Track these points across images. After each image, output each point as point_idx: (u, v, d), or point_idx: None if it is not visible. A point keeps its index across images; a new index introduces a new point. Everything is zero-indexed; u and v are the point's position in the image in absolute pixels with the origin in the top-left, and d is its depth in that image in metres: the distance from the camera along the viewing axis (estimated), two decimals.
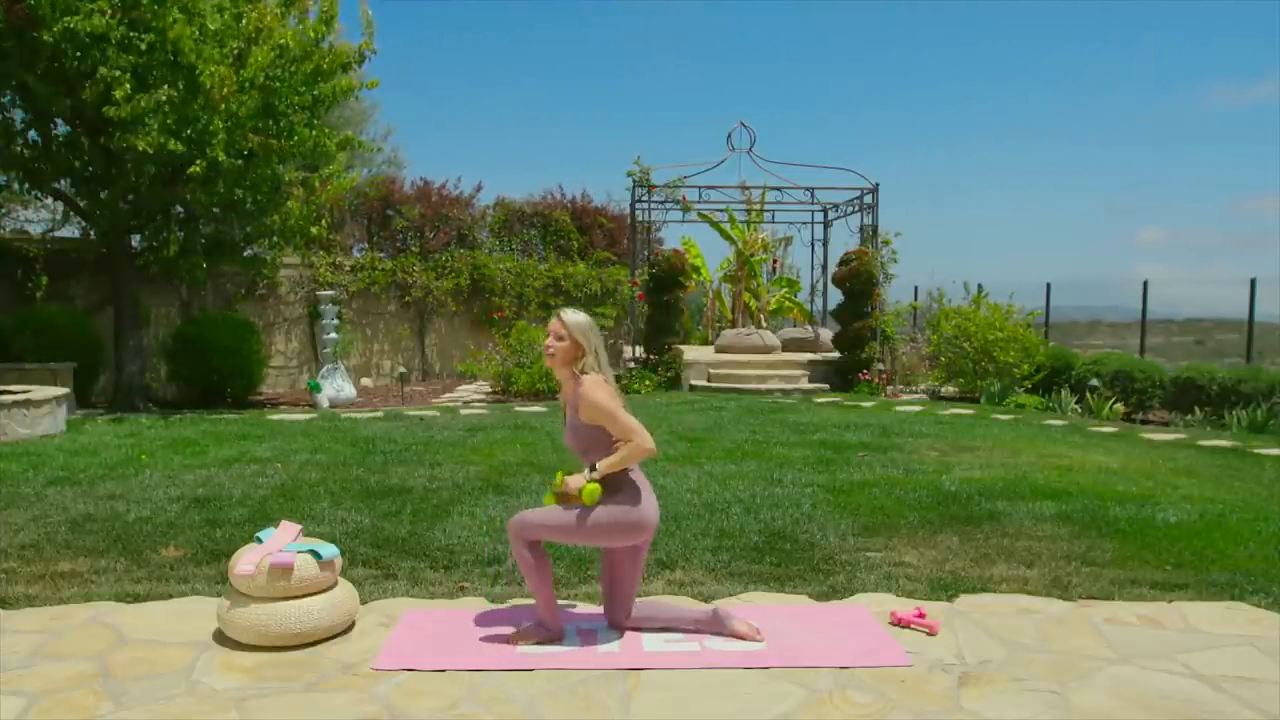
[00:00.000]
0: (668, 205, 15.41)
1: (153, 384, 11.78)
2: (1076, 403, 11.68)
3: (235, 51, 9.40)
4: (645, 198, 14.83)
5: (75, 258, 11.90)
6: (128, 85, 9.06)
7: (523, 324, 13.97)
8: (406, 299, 15.47)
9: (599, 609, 3.85)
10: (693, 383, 13.28)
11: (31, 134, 10.32)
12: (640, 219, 15.47)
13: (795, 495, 5.88)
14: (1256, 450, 8.18)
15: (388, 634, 3.55)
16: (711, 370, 13.56)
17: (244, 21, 9.50)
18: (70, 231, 13.18)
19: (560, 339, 3.45)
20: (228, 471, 6.59)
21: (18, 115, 10.24)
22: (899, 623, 3.69)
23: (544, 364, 12.45)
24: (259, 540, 3.62)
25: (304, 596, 3.45)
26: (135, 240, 11.17)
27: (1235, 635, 3.64)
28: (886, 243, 14.14)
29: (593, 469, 3.40)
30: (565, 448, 3.58)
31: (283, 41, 9.54)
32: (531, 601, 3.85)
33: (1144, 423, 10.90)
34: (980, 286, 13.91)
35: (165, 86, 9.03)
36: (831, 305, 15.17)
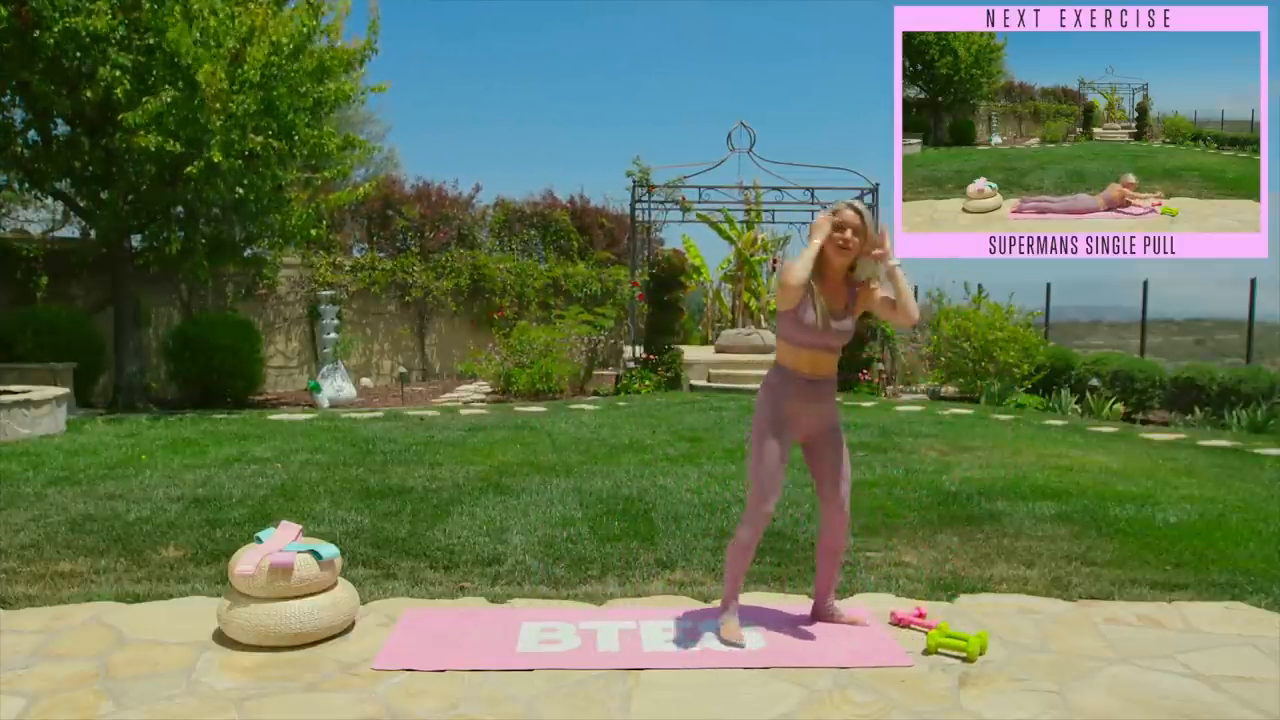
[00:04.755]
0: (668, 205, 15.41)
1: (153, 384, 11.78)
2: (1076, 403, 11.68)
3: (232, 51, 9.39)
4: (645, 198, 14.82)
5: (75, 258, 11.90)
6: (127, 84, 9.07)
7: (523, 324, 13.95)
8: (406, 299, 15.46)
9: (600, 608, 3.86)
10: (693, 383, 13.27)
11: (31, 134, 10.31)
12: (640, 219, 15.46)
13: (795, 495, 5.87)
14: (1256, 450, 8.18)
15: (388, 634, 3.55)
16: (711, 370, 13.56)
17: (238, 20, 9.48)
18: (70, 231, 13.18)
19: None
20: (228, 471, 6.58)
21: (18, 115, 10.24)
22: (899, 623, 3.69)
23: (544, 364, 12.63)
24: (259, 540, 3.62)
25: (304, 596, 3.45)
26: (135, 240, 11.17)
27: (1235, 635, 3.64)
28: None
29: None
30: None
31: (276, 37, 9.50)
32: (532, 602, 3.84)
33: (1144, 423, 10.90)
34: (980, 286, 13.89)
35: (168, 87, 9.04)
36: None
